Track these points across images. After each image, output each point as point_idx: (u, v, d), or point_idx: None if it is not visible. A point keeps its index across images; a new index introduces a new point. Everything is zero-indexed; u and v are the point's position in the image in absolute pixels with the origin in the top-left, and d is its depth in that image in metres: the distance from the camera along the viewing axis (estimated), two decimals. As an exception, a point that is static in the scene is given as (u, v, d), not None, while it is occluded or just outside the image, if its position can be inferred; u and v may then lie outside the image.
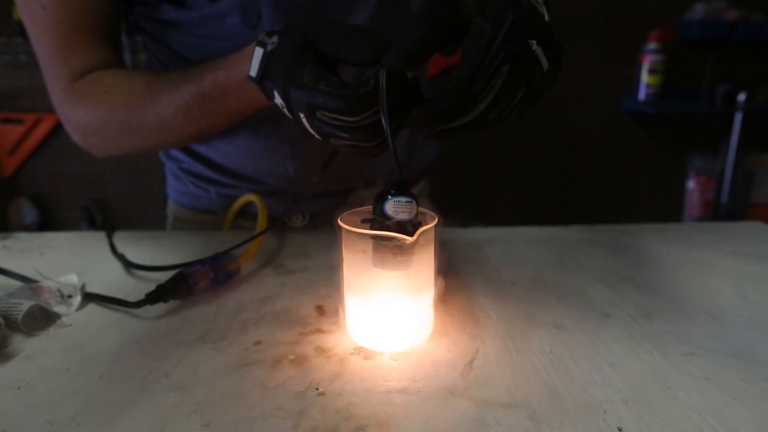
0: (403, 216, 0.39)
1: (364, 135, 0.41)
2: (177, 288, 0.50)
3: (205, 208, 0.77)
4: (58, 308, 0.50)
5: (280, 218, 0.60)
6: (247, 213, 0.74)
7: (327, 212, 0.76)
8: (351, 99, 0.39)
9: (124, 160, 2.42)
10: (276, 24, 0.60)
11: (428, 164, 0.82)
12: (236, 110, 0.57)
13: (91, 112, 0.62)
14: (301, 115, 0.43)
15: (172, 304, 0.51)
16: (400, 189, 0.40)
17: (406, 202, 0.40)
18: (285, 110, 0.45)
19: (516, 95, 0.39)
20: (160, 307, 0.50)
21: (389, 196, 0.39)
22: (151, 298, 0.49)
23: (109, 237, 0.68)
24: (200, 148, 0.72)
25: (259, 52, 0.46)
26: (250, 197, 0.69)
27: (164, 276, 0.51)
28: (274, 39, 0.46)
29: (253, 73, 0.47)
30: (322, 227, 0.77)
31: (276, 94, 0.45)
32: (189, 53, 0.65)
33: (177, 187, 0.79)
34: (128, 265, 0.60)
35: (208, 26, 0.61)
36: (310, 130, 0.44)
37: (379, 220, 0.40)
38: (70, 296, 0.51)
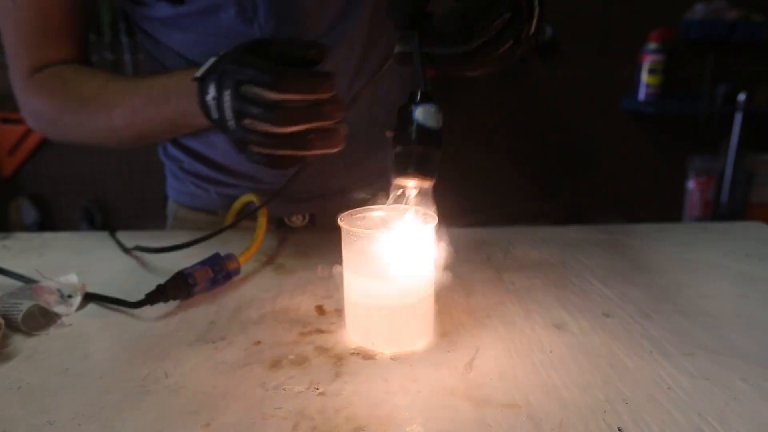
0: (432, 125, 0.38)
1: (276, 116, 0.44)
2: (177, 288, 0.50)
3: (205, 207, 0.77)
4: (58, 308, 0.50)
5: (250, 214, 0.62)
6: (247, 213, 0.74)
7: (327, 212, 0.76)
8: (280, 74, 0.43)
9: (124, 160, 2.42)
10: (273, 17, 0.60)
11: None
12: (173, 120, 0.58)
13: (46, 102, 0.65)
14: (226, 93, 0.46)
15: (171, 304, 0.51)
16: (426, 98, 0.39)
17: (435, 110, 0.39)
18: (212, 102, 0.48)
19: (504, 44, 0.41)
20: (159, 307, 0.50)
21: (414, 106, 0.38)
22: (151, 298, 0.49)
23: (113, 234, 0.68)
24: (200, 147, 0.72)
25: (213, 58, 0.50)
26: (250, 197, 0.69)
27: (167, 268, 0.51)
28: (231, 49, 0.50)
29: (199, 73, 0.50)
30: (322, 227, 0.77)
31: (211, 86, 0.48)
32: (186, 51, 0.65)
33: (177, 186, 0.79)
34: (141, 250, 0.62)
35: (204, 21, 0.61)
36: (227, 113, 0.46)
37: (402, 127, 0.39)
38: (70, 296, 0.51)
